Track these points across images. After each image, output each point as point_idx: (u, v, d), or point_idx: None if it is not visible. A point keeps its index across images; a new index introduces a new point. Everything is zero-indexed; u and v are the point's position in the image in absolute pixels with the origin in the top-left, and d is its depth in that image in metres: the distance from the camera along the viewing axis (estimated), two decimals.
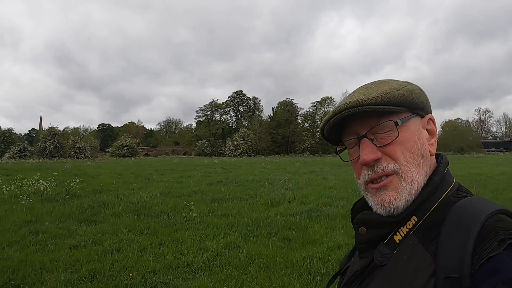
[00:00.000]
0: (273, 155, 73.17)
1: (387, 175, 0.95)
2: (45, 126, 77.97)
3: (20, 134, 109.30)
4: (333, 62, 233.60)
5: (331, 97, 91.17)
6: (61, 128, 74.49)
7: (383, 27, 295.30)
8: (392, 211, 0.94)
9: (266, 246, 7.06)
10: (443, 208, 0.91)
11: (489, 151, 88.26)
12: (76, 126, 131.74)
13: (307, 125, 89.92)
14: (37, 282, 5.47)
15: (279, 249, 7.00)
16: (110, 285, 5.34)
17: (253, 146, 75.87)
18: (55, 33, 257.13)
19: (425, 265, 0.83)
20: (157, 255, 6.71)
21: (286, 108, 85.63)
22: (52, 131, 63.60)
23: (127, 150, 69.68)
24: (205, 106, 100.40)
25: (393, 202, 0.93)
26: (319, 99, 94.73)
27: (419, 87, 1.04)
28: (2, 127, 77.79)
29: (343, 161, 1.08)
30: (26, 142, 71.88)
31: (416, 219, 0.93)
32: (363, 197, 1.08)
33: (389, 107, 0.93)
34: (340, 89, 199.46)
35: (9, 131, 70.15)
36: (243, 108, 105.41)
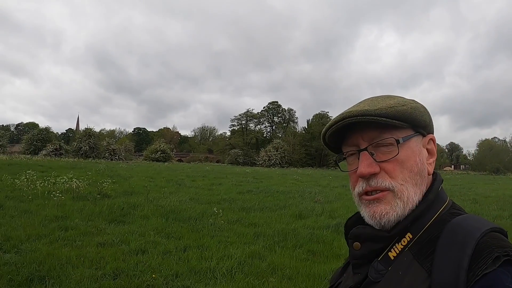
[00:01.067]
0: (305, 167, 72.84)
1: (382, 190, 0.96)
2: (82, 127, 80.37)
3: (57, 133, 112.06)
4: (371, 75, 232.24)
5: None
6: (97, 129, 76.41)
7: (424, 42, 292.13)
8: (383, 224, 0.95)
9: (290, 258, 7.02)
10: (437, 225, 0.92)
11: None
12: (112, 129, 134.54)
13: None
14: (62, 275, 5.61)
15: (303, 261, 6.94)
16: (132, 284, 5.42)
17: (286, 157, 75.76)
18: (96, 36, 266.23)
19: (420, 281, 0.83)
20: (181, 258, 6.76)
21: (321, 121, 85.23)
22: (88, 132, 65.19)
23: (161, 155, 70.68)
24: (240, 115, 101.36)
25: (385, 215, 0.94)
26: None
27: (423, 106, 1.04)
28: (40, 125, 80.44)
29: (341, 171, 1.08)
30: (62, 141, 73.60)
31: (411, 236, 0.93)
32: (356, 213, 1.09)
33: (391, 121, 0.94)
34: None
35: (47, 129, 72.06)
36: (278, 119, 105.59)
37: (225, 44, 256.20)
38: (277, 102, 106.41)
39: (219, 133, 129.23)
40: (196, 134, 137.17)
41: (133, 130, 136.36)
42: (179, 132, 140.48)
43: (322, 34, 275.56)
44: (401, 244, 0.94)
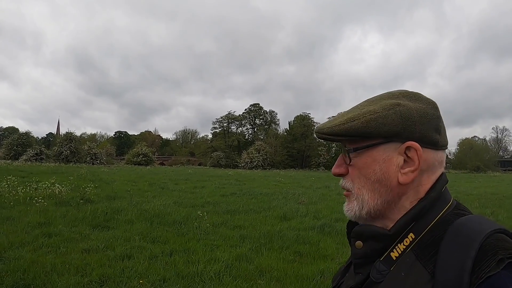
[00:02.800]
0: (288, 169, 73.05)
1: (347, 190, 1.03)
2: (63, 131, 79.46)
3: (38, 137, 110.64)
4: (354, 76, 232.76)
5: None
6: (78, 133, 75.89)
7: (407, 42, 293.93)
8: (348, 217, 1.03)
9: (277, 260, 7.02)
10: (441, 226, 0.91)
11: (505, 170, 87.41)
12: (93, 132, 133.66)
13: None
14: (47, 283, 5.50)
15: (290, 262, 6.95)
16: None
17: (268, 159, 75.97)
18: (77, 38, 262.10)
19: (423, 283, 0.83)
20: (168, 263, 6.71)
21: (303, 122, 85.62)
22: (69, 136, 64.55)
23: (143, 158, 70.29)
24: (221, 117, 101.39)
25: (347, 212, 1.02)
26: (336, 114, 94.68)
27: (399, 113, 0.94)
28: (20, 130, 79.27)
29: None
30: (43, 145, 72.59)
31: (413, 236, 0.92)
32: None
33: (337, 138, 0.97)
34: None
35: (27, 134, 71.15)
36: (259, 121, 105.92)
37: (208, 46, 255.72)
38: (258, 104, 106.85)
39: (200, 136, 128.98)
40: (178, 137, 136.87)
41: (114, 133, 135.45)
42: (161, 135, 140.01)
43: (305, 35, 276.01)
44: (404, 245, 0.93)
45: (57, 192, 14.01)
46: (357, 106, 1.04)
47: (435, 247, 0.86)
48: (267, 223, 10.58)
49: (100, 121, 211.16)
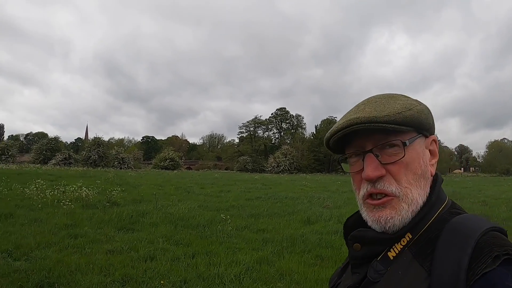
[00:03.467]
0: (314, 173, 72.66)
1: (387, 195, 0.95)
2: (91, 136, 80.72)
3: (66, 142, 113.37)
4: (381, 79, 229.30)
5: None
6: (106, 138, 77.72)
7: (434, 43, 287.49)
8: (387, 228, 0.94)
9: (298, 263, 7.02)
10: (437, 225, 0.92)
11: None
12: (121, 137, 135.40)
13: None
14: (71, 282, 5.68)
15: (311, 266, 6.94)
16: None
17: (295, 163, 75.80)
18: (105, 45, 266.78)
19: (420, 281, 0.84)
20: (189, 265, 6.80)
21: (329, 126, 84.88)
22: (97, 141, 65.78)
23: (170, 163, 71.04)
24: (248, 122, 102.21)
25: (390, 220, 0.94)
26: None
27: (427, 107, 1.04)
28: (49, 135, 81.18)
29: (345, 172, 1.08)
30: (71, 150, 74.63)
31: (410, 236, 0.94)
32: (356, 212, 1.10)
33: (399, 127, 0.93)
34: None
35: (56, 139, 72.79)
36: (286, 125, 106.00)
37: (235, 50, 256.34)
38: (285, 108, 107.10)
39: (227, 141, 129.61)
40: (205, 141, 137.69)
41: (141, 138, 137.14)
42: (188, 140, 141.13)
43: (332, 38, 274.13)
44: (401, 244, 0.94)
45: (84, 195, 14.35)
46: (378, 100, 1.01)
47: (432, 245, 0.88)
48: (291, 226, 10.59)
49: (128, 126, 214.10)
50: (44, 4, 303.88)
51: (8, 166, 45.40)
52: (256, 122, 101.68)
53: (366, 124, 0.93)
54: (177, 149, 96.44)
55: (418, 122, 0.96)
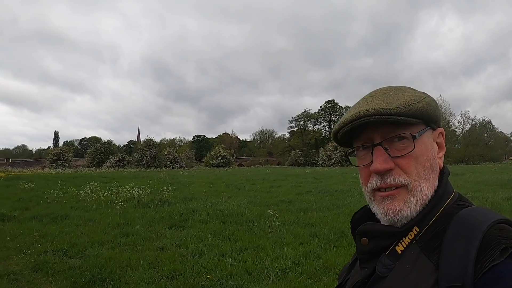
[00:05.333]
0: None
1: (397, 187, 0.97)
2: (143, 138, 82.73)
3: (119, 145, 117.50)
4: (433, 64, 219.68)
5: None
6: (157, 139, 79.52)
7: (487, 23, 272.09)
8: (396, 221, 0.96)
9: (344, 256, 7.03)
10: (444, 218, 0.94)
11: None
12: (172, 138, 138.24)
13: None
14: (122, 277, 6.04)
15: None
16: (188, 284, 5.72)
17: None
18: (151, 48, 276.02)
19: (428, 274, 0.85)
20: (236, 260, 7.00)
21: None
22: (149, 143, 67.35)
23: (221, 160, 71.82)
24: (297, 116, 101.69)
25: (399, 212, 0.95)
26: None
27: (434, 100, 1.04)
28: (102, 139, 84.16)
29: (352, 165, 1.10)
30: (124, 152, 76.94)
31: (417, 229, 0.96)
32: (363, 207, 1.13)
33: (410, 119, 0.95)
34: (441, 93, 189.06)
35: (109, 142, 75.49)
36: (335, 117, 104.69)
37: (282, 44, 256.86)
38: (333, 100, 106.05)
39: (278, 136, 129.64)
40: (255, 137, 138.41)
41: (192, 137, 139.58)
42: (238, 137, 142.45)
43: (380, 24, 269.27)
44: (408, 238, 0.96)
45: (136, 195, 14.94)
46: (386, 92, 1.02)
47: (439, 238, 0.89)
48: (339, 220, 10.57)
49: (179, 126, 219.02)
50: (89, 13, 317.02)
51: (64, 170, 47.37)
52: (306, 116, 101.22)
53: (377, 116, 0.94)
54: (228, 147, 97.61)
55: (427, 115, 0.98)
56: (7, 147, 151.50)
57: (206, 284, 5.76)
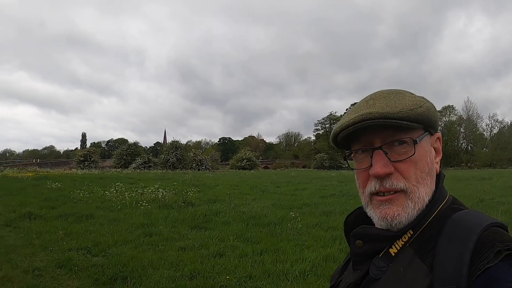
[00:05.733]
0: None
1: (395, 192, 0.97)
2: (169, 140, 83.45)
3: (146, 147, 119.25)
4: (461, 65, 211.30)
5: (452, 105, 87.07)
6: (183, 141, 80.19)
7: None
8: (393, 226, 0.96)
9: None
10: (438, 221, 0.95)
11: None
12: (198, 140, 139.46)
13: None
14: (143, 276, 6.18)
15: None
16: (207, 284, 5.81)
17: None
18: (178, 51, 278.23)
19: (422, 276, 0.86)
20: (256, 261, 7.06)
21: None
22: (175, 145, 67.91)
23: (247, 163, 71.95)
24: (323, 119, 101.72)
25: (396, 217, 0.95)
26: (441, 107, 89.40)
27: (433, 105, 1.05)
28: (129, 141, 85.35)
29: (351, 169, 1.08)
30: (150, 154, 77.86)
31: (411, 232, 0.97)
32: (356, 209, 1.15)
33: (412, 124, 0.95)
34: (469, 95, 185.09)
35: (135, 144, 76.22)
36: None
37: (308, 46, 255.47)
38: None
39: (304, 138, 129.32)
40: (281, 140, 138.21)
41: (218, 140, 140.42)
42: (264, 139, 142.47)
43: (407, 26, 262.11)
44: (402, 241, 0.97)
45: (160, 196, 15.15)
46: (387, 95, 1.02)
47: (433, 241, 0.90)
48: None
49: (205, 128, 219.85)
50: (115, 16, 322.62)
51: (91, 171, 48.31)
52: (332, 119, 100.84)
53: (380, 120, 0.93)
54: (254, 149, 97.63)
55: (427, 120, 0.98)
56: (35, 148, 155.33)
57: (225, 284, 5.84)
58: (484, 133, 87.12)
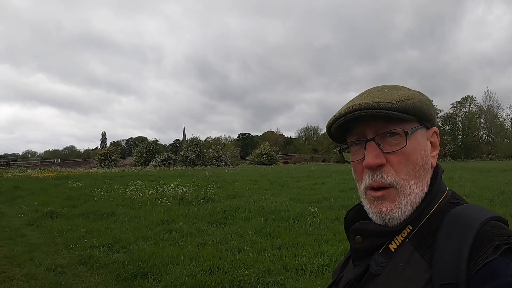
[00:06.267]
0: None
1: (385, 188, 0.97)
2: (188, 137, 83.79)
3: (165, 144, 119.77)
4: (481, 54, 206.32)
5: (472, 96, 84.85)
6: (203, 138, 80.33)
7: None
8: (387, 221, 0.97)
9: None
10: (437, 216, 0.95)
11: None
12: (217, 136, 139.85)
13: (447, 128, 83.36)
14: (163, 271, 6.31)
15: None
16: (226, 279, 5.87)
17: None
18: (195, 47, 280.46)
19: (421, 272, 0.87)
20: (275, 256, 7.12)
21: None
22: (195, 141, 68.27)
23: (266, 158, 72.01)
24: None
25: (389, 213, 0.96)
26: (460, 98, 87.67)
27: (429, 99, 1.06)
28: (148, 139, 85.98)
29: (346, 162, 1.10)
30: (170, 151, 78.38)
31: (411, 228, 0.97)
32: (356, 205, 1.14)
33: (402, 115, 0.95)
34: (489, 85, 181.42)
35: (155, 141, 76.93)
36: None
37: (326, 38, 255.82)
38: None
39: (323, 132, 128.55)
40: (300, 135, 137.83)
41: (237, 135, 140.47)
42: (283, 134, 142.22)
43: (425, 15, 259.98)
44: (401, 236, 0.97)
45: (180, 193, 15.33)
46: (380, 89, 1.04)
47: (432, 236, 0.91)
48: None
49: (225, 124, 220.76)
50: (131, 15, 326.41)
51: (111, 170, 48.90)
52: None
53: (369, 110, 0.95)
54: (273, 144, 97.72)
55: (420, 112, 0.99)
56: (56, 148, 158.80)
57: (244, 279, 5.90)
58: (505, 123, 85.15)
